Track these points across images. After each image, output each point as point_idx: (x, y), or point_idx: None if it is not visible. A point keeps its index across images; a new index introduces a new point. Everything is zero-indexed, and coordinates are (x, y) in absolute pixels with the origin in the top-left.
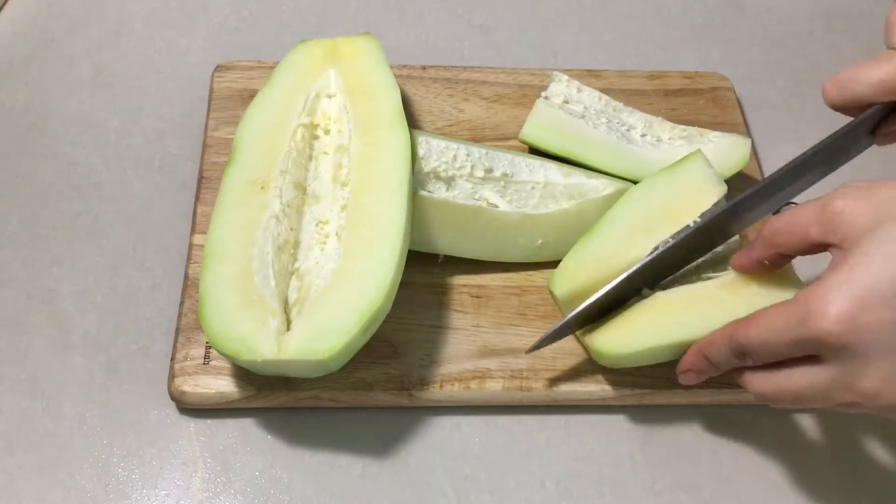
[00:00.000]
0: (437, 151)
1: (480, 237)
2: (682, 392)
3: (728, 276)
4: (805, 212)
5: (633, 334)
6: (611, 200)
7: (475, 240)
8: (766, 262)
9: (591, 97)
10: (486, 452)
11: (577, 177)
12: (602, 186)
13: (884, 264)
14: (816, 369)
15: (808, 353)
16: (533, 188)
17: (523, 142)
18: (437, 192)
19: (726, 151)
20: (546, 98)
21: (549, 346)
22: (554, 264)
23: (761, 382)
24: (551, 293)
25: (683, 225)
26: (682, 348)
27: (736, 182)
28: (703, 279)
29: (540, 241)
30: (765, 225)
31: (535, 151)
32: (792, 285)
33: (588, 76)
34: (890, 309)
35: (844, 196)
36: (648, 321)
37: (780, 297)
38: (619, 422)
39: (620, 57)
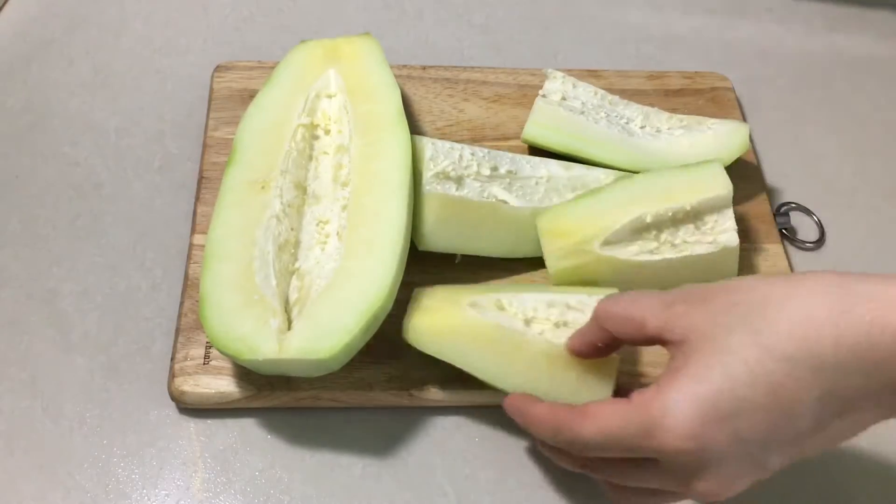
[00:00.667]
0: (443, 152)
1: (496, 233)
2: None
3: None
4: (643, 304)
5: (445, 343)
6: None
7: (491, 237)
8: (599, 344)
9: (586, 92)
10: (486, 452)
11: (578, 169)
12: (604, 176)
13: (723, 378)
14: (652, 472)
15: (646, 457)
16: (537, 183)
17: (526, 141)
18: (450, 191)
19: (726, 138)
20: (544, 97)
21: None
22: None
23: (598, 472)
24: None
25: (678, 206)
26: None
27: (735, 169)
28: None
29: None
30: (598, 305)
31: (537, 151)
32: (610, 378)
33: (588, 76)
34: (727, 423)
35: (686, 299)
36: (464, 340)
37: (597, 384)
38: None
39: (620, 57)
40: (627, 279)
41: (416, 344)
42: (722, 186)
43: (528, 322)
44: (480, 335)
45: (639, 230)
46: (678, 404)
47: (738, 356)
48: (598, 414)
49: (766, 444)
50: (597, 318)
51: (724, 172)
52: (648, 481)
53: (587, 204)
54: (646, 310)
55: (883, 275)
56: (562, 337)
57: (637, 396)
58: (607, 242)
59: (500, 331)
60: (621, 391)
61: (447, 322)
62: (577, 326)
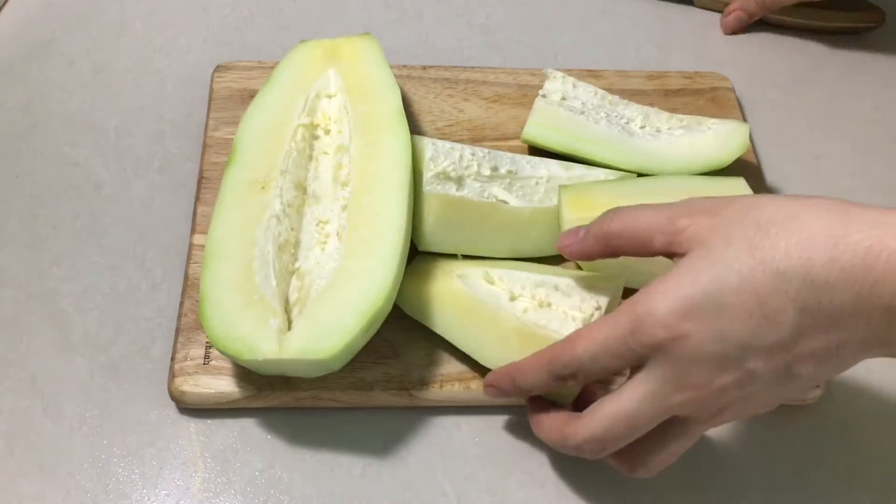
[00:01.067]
0: (443, 152)
1: (496, 234)
2: None
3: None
4: (649, 220)
5: (426, 308)
6: None
7: (492, 237)
8: (597, 258)
9: (586, 92)
10: (486, 452)
11: (578, 169)
12: (603, 176)
13: (710, 282)
14: (643, 380)
15: (637, 361)
16: (537, 183)
17: (526, 142)
18: (450, 191)
19: (726, 138)
20: (544, 97)
21: None
22: (562, 259)
23: (588, 424)
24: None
25: None
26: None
27: (735, 169)
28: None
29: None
30: (601, 220)
31: (537, 151)
32: None
33: (588, 76)
34: (708, 321)
35: (691, 213)
36: (444, 307)
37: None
38: None
39: (620, 57)
40: (636, 268)
41: (402, 305)
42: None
43: (513, 298)
44: (459, 305)
45: None
46: (661, 301)
47: (732, 266)
48: (590, 330)
49: (745, 346)
50: (603, 236)
51: (748, 187)
52: (641, 398)
53: (613, 186)
54: (653, 226)
55: (885, 207)
56: (542, 319)
57: (626, 302)
58: None
59: (478, 303)
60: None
61: (432, 288)
62: (559, 308)
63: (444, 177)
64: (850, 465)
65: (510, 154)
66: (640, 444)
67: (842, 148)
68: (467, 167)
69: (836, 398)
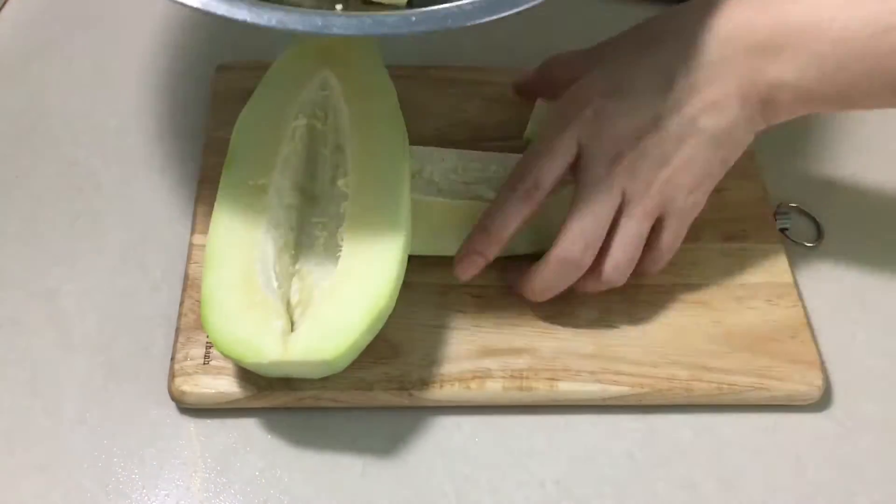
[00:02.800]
0: (427, 158)
1: None
2: (682, 392)
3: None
4: (551, 138)
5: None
6: None
7: None
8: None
9: None
10: (486, 452)
11: None
12: None
13: (620, 76)
14: (585, 169)
15: (576, 147)
16: None
17: (528, 141)
18: (435, 196)
19: None
20: None
21: (548, 347)
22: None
23: (567, 234)
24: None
25: None
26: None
27: (735, 169)
28: None
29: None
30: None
31: None
32: None
33: None
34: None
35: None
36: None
37: None
38: (619, 422)
39: None
40: None
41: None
42: None
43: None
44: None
45: None
46: (585, 80)
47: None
48: (538, 151)
49: (656, 92)
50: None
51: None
52: (592, 186)
53: None
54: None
55: None
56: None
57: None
58: None
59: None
60: None
61: None
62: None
63: (427, 182)
64: (850, 466)
65: (501, 154)
66: (601, 253)
67: (842, 148)
68: (453, 170)
69: (836, 398)
